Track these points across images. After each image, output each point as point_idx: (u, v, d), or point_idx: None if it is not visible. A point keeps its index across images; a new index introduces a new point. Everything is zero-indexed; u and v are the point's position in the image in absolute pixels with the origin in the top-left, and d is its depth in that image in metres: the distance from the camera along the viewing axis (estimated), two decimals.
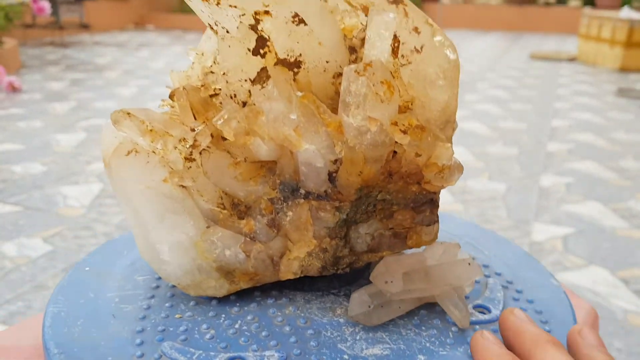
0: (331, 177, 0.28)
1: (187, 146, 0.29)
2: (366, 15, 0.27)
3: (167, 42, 6.57)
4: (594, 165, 2.40)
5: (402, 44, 0.27)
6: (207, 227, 0.31)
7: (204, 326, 0.32)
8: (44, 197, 1.91)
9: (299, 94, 0.27)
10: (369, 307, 0.31)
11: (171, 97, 0.30)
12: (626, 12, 5.18)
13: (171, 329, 0.32)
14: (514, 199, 2.00)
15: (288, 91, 0.27)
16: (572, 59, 5.77)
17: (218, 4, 0.26)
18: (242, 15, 0.26)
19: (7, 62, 4.07)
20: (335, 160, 0.28)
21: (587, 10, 6.47)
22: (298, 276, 0.32)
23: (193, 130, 0.29)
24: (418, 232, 0.32)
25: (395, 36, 0.26)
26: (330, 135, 0.27)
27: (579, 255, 1.59)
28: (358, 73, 0.26)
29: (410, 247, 0.33)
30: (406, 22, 0.27)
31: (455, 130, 0.30)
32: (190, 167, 0.30)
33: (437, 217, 0.32)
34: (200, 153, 0.29)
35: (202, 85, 0.29)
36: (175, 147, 0.29)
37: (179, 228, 0.32)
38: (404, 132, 0.27)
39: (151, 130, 0.30)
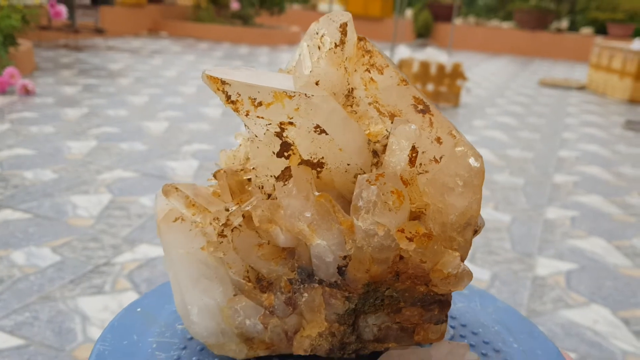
0: (341, 271, 0.31)
1: (220, 224, 0.32)
2: (392, 123, 0.29)
3: (179, 50, 6.62)
4: (599, 199, 2.42)
5: (423, 152, 0.29)
6: (234, 295, 0.34)
7: None
8: (54, 205, 1.93)
9: (317, 193, 0.29)
10: None
11: (214, 176, 0.32)
12: (638, 44, 5.20)
13: None
14: (518, 231, 2.02)
15: (307, 190, 0.30)
16: (581, 88, 5.80)
17: (247, 114, 0.29)
18: (269, 124, 0.29)
19: (22, 64, 4.12)
20: (345, 257, 0.30)
21: (599, 39, 6.50)
22: (308, 354, 0.34)
23: (227, 210, 0.32)
24: (425, 328, 0.33)
25: (413, 147, 0.28)
26: (342, 233, 0.30)
27: (580, 293, 1.60)
28: (369, 182, 0.28)
29: (417, 342, 0.34)
30: (430, 131, 0.29)
31: (480, 230, 0.32)
32: (222, 242, 0.32)
33: (446, 316, 0.33)
34: (231, 230, 0.32)
35: (241, 170, 0.32)
36: (211, 223, 0.32)
37: (209, 293, 0.34)
38: (410, 239, 0.29)
39: (194, 205, 0.33)
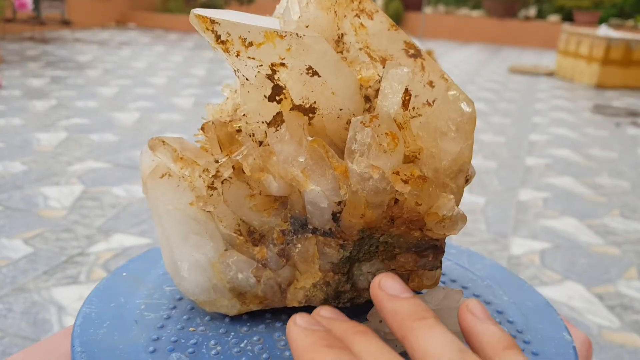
0: (335, 217, 0.30)
1: (210, 176, 0.31)
2: (384, 67, 0.29)
3: (148, 41, 6.53)
4: (570, 180, 2.46)
5: (415, 96, 0.28)
6: (225, 250, 0.33)
7: (212, 342, 0.33)
8: (24, 197, 1.89)
9: (310, 138, 0.29)
10: None
11: (202, 129, 0.32)
12: (604, 30, 5.29)
13: (183, 340, 0.33)
14: (493, 213, 2.04)
15: (299, 135, 0.29)
16: (550, 74, 5.87)
17: (237, 55, 0.28)
18: (260, 65, 0.28)
19: None
20: (339, 202, 0.30)
21: (566, 26, 6.59)
22: (302, 305, 0.34)
23: (217, 161, 0.31)
24: (420, 275, 0.33)
25: (406, 89, 0.28)
26: (336, 178, 0.29)
27: (555, 270, 1.63)
28: (364, 124, 0.28)
29: (412, 289, 0.34)
30: (422, 75, 0.29)
31: (471, 179, 0.32)
32: (212, 195, 0.31)
33: (440, 262, 0.33)
34: (222, 183, 0.31)
35: (230, 121, 0.31)
36: (200, 176, 0.31)
37: (200, 248, 0.34)
38: (405, 181, 0.29)
39: (181, 158, 0.32)
